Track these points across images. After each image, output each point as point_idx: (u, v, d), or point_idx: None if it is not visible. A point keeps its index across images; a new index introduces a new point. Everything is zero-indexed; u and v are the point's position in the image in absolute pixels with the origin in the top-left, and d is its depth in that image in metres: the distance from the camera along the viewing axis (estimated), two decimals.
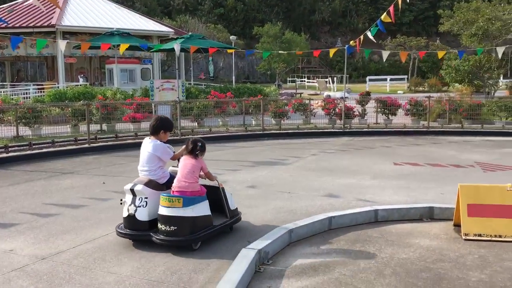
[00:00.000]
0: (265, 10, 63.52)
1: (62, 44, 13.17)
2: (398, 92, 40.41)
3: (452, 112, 16.75)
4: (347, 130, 14.96)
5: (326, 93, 35.48)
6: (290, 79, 52.68)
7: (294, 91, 40.67)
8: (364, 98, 17.51)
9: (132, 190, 4.96)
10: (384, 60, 16.85)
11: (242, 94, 22.76)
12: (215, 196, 5.19)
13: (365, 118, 17.20)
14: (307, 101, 17.54)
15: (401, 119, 16.61)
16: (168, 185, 5.07)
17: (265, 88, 25.82)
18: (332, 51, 14.34)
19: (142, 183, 4.97)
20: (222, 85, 25.48)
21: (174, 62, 40.41)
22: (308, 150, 11.65)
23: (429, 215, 5.93)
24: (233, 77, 43.10)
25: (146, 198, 4.92)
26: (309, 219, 5.39)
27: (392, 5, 11.08)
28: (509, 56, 60.03)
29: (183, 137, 12.88)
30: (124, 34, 21.07)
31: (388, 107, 16.91)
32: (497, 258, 4.62)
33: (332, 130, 15.06)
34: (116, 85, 23.06)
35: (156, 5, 60.96)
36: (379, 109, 17.05)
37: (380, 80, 45.64)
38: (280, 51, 18.84)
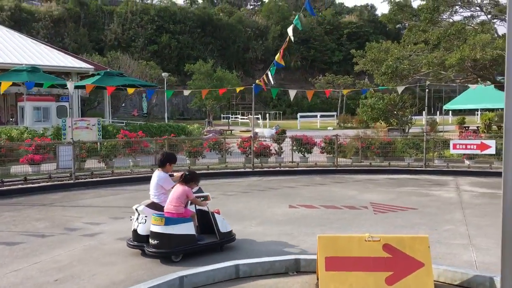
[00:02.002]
0: (199, 48, 63.86)
1: None
2: (328, 128, 41.24)
3: (365, 149, 16.98)
4: (258, 170, 14.65)
5: (256, 130, 35.57)
6: (224, 115, 52.63)
7: (226, 127, 40.57)
8: (280, 136, 17.39)
9: (137, 210, 6.21)
10: (292, 99, 16.92)
11: (164, 132, 22.14)
12: (208, 219, 6.26)
13: (282, 157, 17.06)
14: (222, 140, 17.20)
15: (317, 157, 16.59)
16: None
17: (188, 126, 25.32)
18: (238, 89, 14.18)
19: (145, 204, 6.25)
20: (143, 123, 24.75)
21: (103, 99, 39.26)
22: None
23: (295, 267, 5.54)
24: (166, 114, 42.49)
25: (146, 216, 6.09)
26: (153, 280, 4.82)
27: (283, 47, 11.02)
28: (431, 93, 63.40)
29: (77, 180, 12.03)
30: (33, 70, 19.99)
31: (303, 145, 16.88)
32: None
33: (242, 170, 14.70)
34: (28, 123, 21.75)
35: (87, 41, 59.69)
36: (294, 147, 16.99)
37: (311, 116, 46.50)
38: (185, 89, 18.41)
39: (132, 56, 53.74)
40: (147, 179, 14.10)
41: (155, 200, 6.34)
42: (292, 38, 9.68)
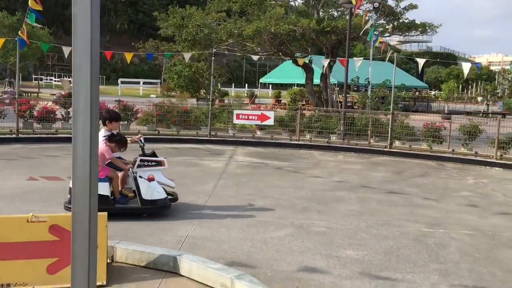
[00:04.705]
0: None
1: None
2: (151, 96, 39.84)
3: (163, 118, 16.27)
4: (25, 136, 12.87)
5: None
6: (37, 76, 47.21)
7: (37, 89, 36.83)
8: (67, 99, 15.66)
9: None
10: (69, 57, 15.29)
11: None
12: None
13: (69, 122, 15.47)
14: None
15: None
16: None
17: None
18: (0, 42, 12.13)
19: None
20: None
21: None
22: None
23: None
24: None
25: None
26: None
27: None
28: (257, 67, 65.93)
29: None
30: None
31: None
32: None
33: (8, 136, 12.74)
34: None
35: None
36: None
37: (133, 83, 44.46)
38: None
39: None
40: None
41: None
42: None
